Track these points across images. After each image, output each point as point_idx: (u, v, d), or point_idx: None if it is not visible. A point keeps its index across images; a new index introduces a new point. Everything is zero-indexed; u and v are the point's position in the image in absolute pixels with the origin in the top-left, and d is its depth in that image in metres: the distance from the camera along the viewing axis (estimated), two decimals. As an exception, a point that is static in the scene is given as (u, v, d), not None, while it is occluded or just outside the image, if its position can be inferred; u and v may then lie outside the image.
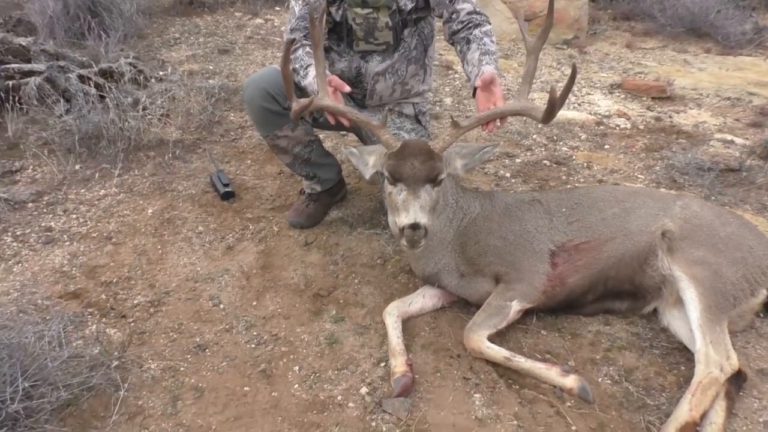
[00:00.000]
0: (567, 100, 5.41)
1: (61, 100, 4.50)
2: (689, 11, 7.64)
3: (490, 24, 3.19)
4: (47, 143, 4.30)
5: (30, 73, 4.74)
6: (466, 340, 2.70)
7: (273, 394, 2.53)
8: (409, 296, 3.02)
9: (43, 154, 4.09)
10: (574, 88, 5.83)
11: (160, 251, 3.41)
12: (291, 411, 2.45)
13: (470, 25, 3.14)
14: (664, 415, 2.43)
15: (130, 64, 5.12)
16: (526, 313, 2.87)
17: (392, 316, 2.85)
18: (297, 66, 3.10)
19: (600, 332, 2.89)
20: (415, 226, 2.51)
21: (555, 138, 4.81)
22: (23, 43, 5.10)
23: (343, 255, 3.41)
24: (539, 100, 5.39)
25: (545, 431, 2.38)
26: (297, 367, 2.67)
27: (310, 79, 3.00)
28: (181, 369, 2.64)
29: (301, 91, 3.14)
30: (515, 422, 2.40)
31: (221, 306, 3.03)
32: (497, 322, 2.75)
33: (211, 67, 5.90)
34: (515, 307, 2.78)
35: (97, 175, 4.05)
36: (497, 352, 2.64)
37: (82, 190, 3.90)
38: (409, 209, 2.55)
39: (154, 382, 2.57)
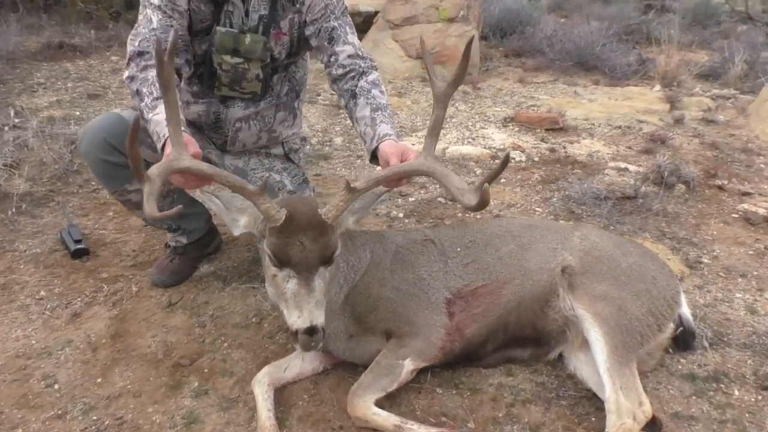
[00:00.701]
0: (461, 135, 5.27)
1: None
2: (576, 45, 7.77)
3: (376, 70, 2.83)
4: None
5: None
6: (350, 407, 2.29)
7: (110, 497, 2.03)
8: (285, 359, 2.59)
9: None
10: (468, 122, 5.68)
11: (-12, 324, 2.84)
12: None
13: (353, 74, 2.77)
14: (577, 479, 2.11)
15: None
16: (421, 370, 2.51)
17: (262, 385, 2.41)
18: (144, 91, 2.52)
19: (502, 385, 2.56)
20: (311, 331, 2.06)
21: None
22: None
23: (212, 315, 2.96)
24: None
25: None
26: (143, 459, 2.19)
27: (160, 117, 2.37)
28: (-8, 475, 2.11)
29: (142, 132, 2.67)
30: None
31: (56, 386, 2.50)
32: (387, 383, 2.37)
33: (77, 113, 5.35)
34: (408, 366, 2.41)
35: None
36: (386, 419, 2.25)
37: None
38: (303, 309, 2.09)
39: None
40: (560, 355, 2.69)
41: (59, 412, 2.37)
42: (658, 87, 6.91)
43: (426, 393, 2.51)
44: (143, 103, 2.52)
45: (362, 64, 2.79)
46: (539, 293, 2.59)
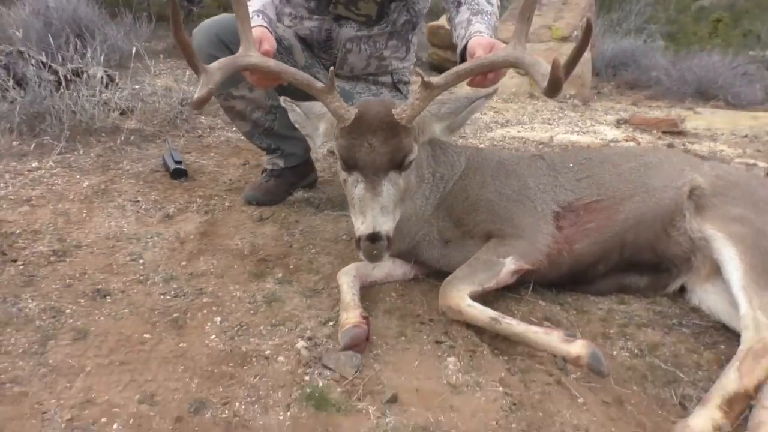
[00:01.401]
0: (571, 129, 5.02)
1: (11, 86, 4.06)
2: (696, 75, 7.40)
3: None
4: (-11, 123, 3.83)
5: (-14, 62, 4.36)
6: (443, 297, 2.06)
7: (181, 344, 1.90)
8: (375, 259, 2.41)
9: (-17, 133, 3.62)
10: (578, 119, 5.44)
11: (84, 214, 2.84)
12: (199, 361, 1.81)
13: None
14: (703, 390, 1.78)
15: (103, 70, 4.75)
16: (519, 283, 2.26)
17: (348, 276, 2.23)
18: None
19: (613, 310, 2.27)
20: (374, 237, 1.89)
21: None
22: (-10, 43, 4.77)
23: (302, 230, 2.84)
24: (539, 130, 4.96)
25: (541, 401, 1.73)
26: (218, 318, 2.05)
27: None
28: (67, 311, 2.02)
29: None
30: (500, 389, 1.75)
31: (140, 261, 2.44)
32: (484, 279, 2.12)
33: (189, 88, 5.52)
34: (509, 265, 2.15)
35: (35, 150, 3.55)
36: (481, 311, 1.99)
37: (13, 163, 3.38)
38: (367, 214, 1.92)
39: (26, 320, 1.95)
40: (682, 289, 2.37)
41: (140, 277, 2.30)
42: (787, 114, 6.43)
43: (527, 303, 2.25)
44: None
45: None
46: (663, 212, 2.30)
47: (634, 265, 2.35)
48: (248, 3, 2.41)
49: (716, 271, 2.19)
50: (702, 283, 2.28)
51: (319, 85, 2.01)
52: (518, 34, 2.01)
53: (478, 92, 2.19)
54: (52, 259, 2.39)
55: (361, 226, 1.93)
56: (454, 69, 2.06)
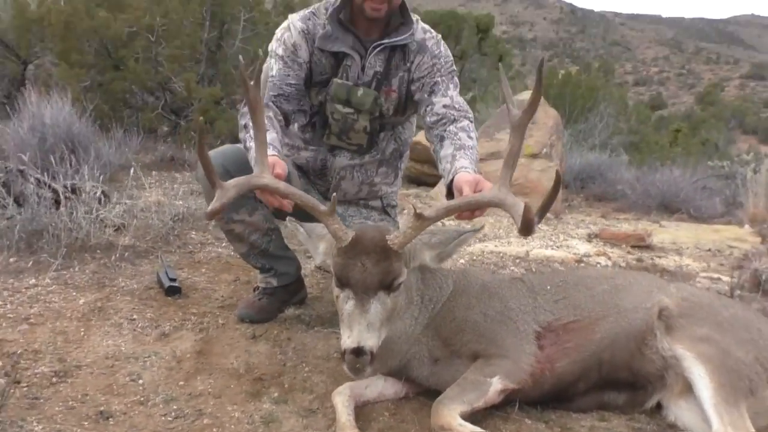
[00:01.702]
0: (545, 243, 5.28)
1: (10, 203, 4.21)
2: (659, 189, 7.85)
3: (469, 120, 2.94)
4: (-14, 242, 3.95)
5: (-14, 179, 4.52)
6: (435, 416, 2.19)
7: (184, 467, 1.97)
8: (367, 379, 2.53)
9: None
10: (552, 233, 5.71)
11: (82, 333, 2.93)
12: (203, 484, 1.88)
13: (444, 120, 2.91)
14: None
15: (98, 189, 4.94)
16: (506, 402, 2.39)
17: (343, 396, 2.35)
18: (250, 124, 2.57)
19: (595, 427, 2.40)
20: (358, 351, 2.07)
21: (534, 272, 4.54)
22: (-12, 160, 4.96)
23: (295, 347, 2.95)
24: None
25: None
26: (220, 440, 2.13)
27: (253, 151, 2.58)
28: (72, 435, 2.09)
29: (245, 169, 2.86)
30: None
31: (140, 381, 2.52)
32: (473, 398, 2.26)
33: (181, 203, 5.72)
34: (496, 384, 2.30)
35: (31, 268, 3.66)
36: (472, 430, 2.13)
37: (11, 280, 3.48)
38: (353, 328, 2.11)
39: (33, 445, 2.02)
40: (658, 406, 2.51)
41: (141, 399, 2.38)
42: (747, 226, 6.79)
43: (514, 421, 2.37)
44: (247, 134, 2.78)
45: (455, 113, 2.91)
46: (635, 332, 2.48)
47: (612, 382, 2.50)
48: None
49: (689, 388, 2.35)
50: (676, 400, 2.43)
51: (322, 207, 2.25)
52: (503, 178, 2.28)
53: (466, 227, 2.46)
54: (54, 380, 2.47)
55: (347, 340, 2.10)
56: (444, 204, 2.32)
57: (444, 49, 3.10)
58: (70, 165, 5.17)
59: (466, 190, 2.40)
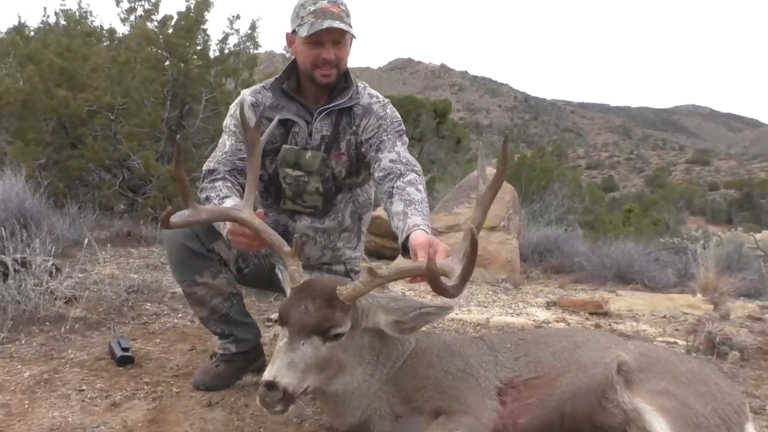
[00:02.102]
0: (505, 312, 5.30)
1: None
2: (614, 261, 8.03)
3: (416, 173, 2.95)
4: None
5: (-69, 252, 4.39)
6: (396, 476, 2.13)
7: None
8: (328, 442, 2.46)
9: None
10: (511, 302, 5.74)
11: (26, 406, 2.78)
12: None
13: (392, 176, 2.91)
14: None
15: (49, 262, 4.82)
16: (469, 461, 2.33)
17: (304, 459, 2.28)
18: (212, 195, 2.89)
19: (560, 485, 2.34)
20: (269, 385, 2.04)
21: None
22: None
23: (252, 414, 2.85)
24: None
25: None
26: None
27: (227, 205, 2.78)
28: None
29: (216, 235, 2.95)
30: None
31: (87, 452, 2.39)
32: (436, 457, 2.21)
33: (135, 276, 5.61)
34: (458, 440, 2.26)
35: (-26, 341, 3.50)
36: (435, 489, 2.07)
37: (-49, 354, 3.32)
38: (275, 363, 2.11)
39: None
40: (622, 462, 2.47)
41: (87, 469, 2.25)
42: (699, 295, 6.95)
43: (477, 481, 2.30)
44: (211, 204, 2.83)
45: (402, 168, 2.92)
46: (595, 386, 2.47)
47: (575, 438, 2.47)
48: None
49: (651, 441, 2.34)
50: (640, 455, 2.40)
51: (286, 248, 2.40)
52: (459, 251, 2.29)
53: (433, 303, 2.47)
54: (-7, 452, 2.33)
55: (265, 373, 2.08)
56: (398, 267, 2.37)
57: (391, 111, 3.15)
58: (21, 240, 5.06)
59: (421, 253, 2.40)
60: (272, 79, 3.20)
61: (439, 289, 2.07)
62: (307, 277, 2.34)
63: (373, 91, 3.24)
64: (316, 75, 3.01)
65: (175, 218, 2.41)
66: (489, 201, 2.37)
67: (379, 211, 9.10)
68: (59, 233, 6.41)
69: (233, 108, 3.19)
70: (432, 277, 2.02)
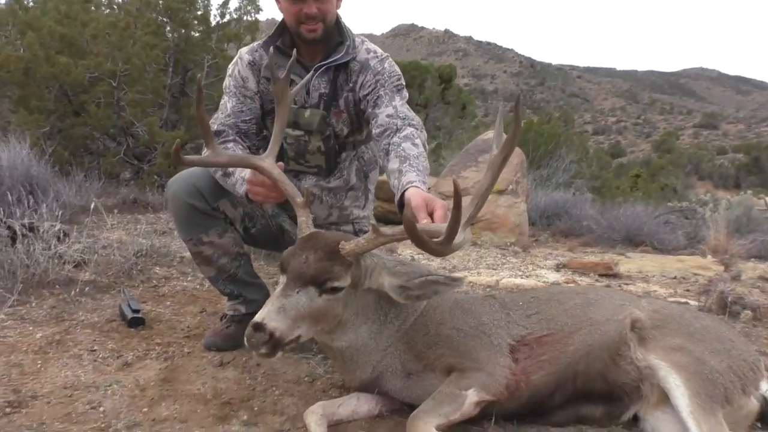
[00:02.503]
0: (514, 274, 5.28)
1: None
2: (623, 224, 7.98)
3: (414, 127, 2.84)
4: (-64, 280, 3.78)
5: (-63, 218, 4.37)
6: (411, 430, 2.12)
7: (147, 490, 1.86)
8: (340, 398, 2.46)
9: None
10: (520, 264, 5.72)
11: (39, 365, 2.79)
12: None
13: (388, 132, 2.82)
14: None
15: (57, 227, 4.81)
16: (481, 416, 2.33)
17: (315, 414, 2.27)
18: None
19: (573, 439, 2.34)
20: (257, 327, 2.02)
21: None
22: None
23: (264, 373, 2.85)
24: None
25: None
26: (186, 463, 2.02)
27: (238, 175, 2.76)
28: (27, 462, 1.96)
29: (221, 194, 2.96)
30: None
31: (101, 409, 2.40)
32: (449, 411, 2.19)
33: (144, 241, 5.60)
34: (471, 397, 2.24)
35: (-16, 305, 3.51)
36: (449, 443, 2.06)
37: (-38, 317, 3.33)
38: (266, 307, 2.09)
39: (-16, 473, 1.88)
40: (635, 418, 2.47)
41: (102, 425, 2.27)
42: (710, 257, 6.91)
43: (490, 435, 2.30)
44: (224, 173, 2.85)
45: (398, 123, 2.83)
46: (609, 343, 2.45)
47: (588, 395, 2.45)
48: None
49: (665, 399, 2.32)
50: (653, 411, 2.39)
51: (299, 199, 2.44)
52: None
53: (442, 273, 2.38)
54: (7, 410, 2.33)
55: (256, 315, 2.07)
56: (400, 229, 2.18)
57: (389, 65, 3.06)
58: (28, 205, 5.04)
59: (421, 215, 2.30)
60: (266, 38, 3.11)
61: (423, 246, 1.98)
62: (313, 229, 2.35)
63: (371, 46, 3.14)
64: (301, 31, 2.93)
65: (192, 158, 2.42)
66: (499, 165, 2.29)
67: (385, 176, 9.07)
68: (66, 200, 6.39)
69: (231, 67, 3.13)
70: (412, 233, 1.92)
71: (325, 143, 3.06)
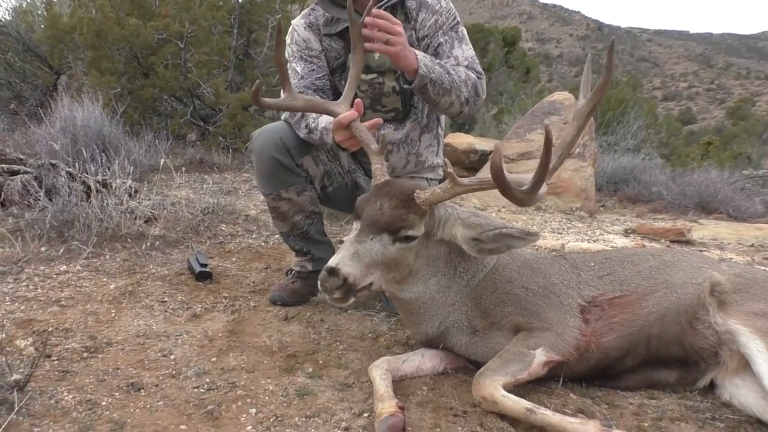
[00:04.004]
0: (581, 238, 5.14)
1: (41, 196, 4.22)
2: (696, 190, 7.65)
3: (477, 74, 2.88)
4: (20, 230, 3.94)
5: (18, 173, 4.55)
6: (477, 387, 2.09)
7: (217, 435, 1.89)
8: (404, 354, 2.44)
9: (14, 239, 3.71)
10: (587, 229, 5.57)
11: (113, 314, 2.89)
12: (237, 450, 1.80)
13: None
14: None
15: (128, 183, 4.94)
16: (549, 377, 2.27)
17: (380, 369, 2.26)
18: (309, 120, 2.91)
19: (644, 404, 2.26)
20: (330, 271, 2.01)
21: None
22: (20, 156, 4.99)
23: (328, 328, 2.87)
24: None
25: (586, 491, 1.71)
26: (253, 410, 2.05)
27: (323, 120, 2.81)
28: (103, 404, 2.03)
29: (306, 150, 3.00)
30: (542, 479, 1.74)
31: (171, 357, 2.46)
32: (516, 370, 2.15)
33: (210, 199, 5.71)
34: (539, 356, 2.19)
35: (62, 255, 3.64)
36: (516, 402, 2.02)
37: (42, 267, 3.46)
38: (340, 252, 2.08)
39: (63, 412, 1.96)
40: (711, 384, 2.37)
41: (173, 372, 2.32)
42: (790, 226, 6.57)
43: (558, 396, 2.25)
44: (306, 122, 2.91)
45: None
46: (686, 307, 2.35)
47: (662, 359, 2.36)
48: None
49: (744, 365, 2.22)
50: (731, 378, 2.29)
51: (374, 146, 2.41)
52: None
53: (516, 226, 2.30)
54: (84, 355, 2.42)
55: (330, 260, 2.06)
56: (480, 178, 2.22)
57: (445, 2, 3.04)
58: (101, 163, 5.19)
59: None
60: None
61: (508, 193, 1.97)
62: (386, 176, 2.33)
63: None
64: None
65: (270, 100, 2.43)
66: (586, 115, 2.20)
67: (449, 139, 8.95)
68: (136, 158, 6.57)
69: (288, 37, 3.14)
70: (499, 179, 1.90)
71: (399, 82, 3.03)
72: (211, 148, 8.67)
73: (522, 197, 2.04)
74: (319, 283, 2.05)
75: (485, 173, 2.28)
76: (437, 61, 2.75)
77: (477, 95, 2.86)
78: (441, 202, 2.23)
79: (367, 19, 2.46)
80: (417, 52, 2.63)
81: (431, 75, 2.65)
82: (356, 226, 2.18)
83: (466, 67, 2.90)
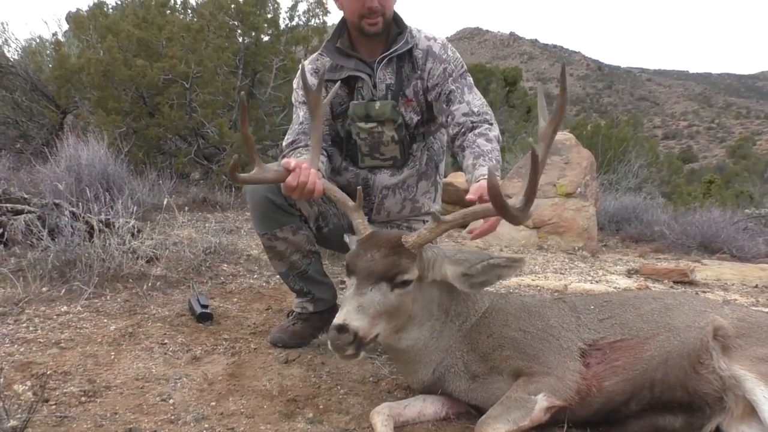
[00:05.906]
0: (583, 279, 5.13)
1: (45, 236, 4.22)
2: (699, 230, 7.64)
3: (489, 123, 2.93)
4: (22, 270, 3.94)
5: (22, 213, 4.58)
6: (479, 435, 2.07)
7: (215, 483, 1.86)
8: (406, 399, 2.42)
9: (16, 279, 3.70)
10: (589, 269, 5.55)
11: (112, 356, 2.87)
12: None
13: (464, 129, 2.92)
14: None
15: (131, 223, 4.96)
16: (553, 422, 2.25)
17: (382, 415, 2.25)
18: (292, 158, 2.90)
19: (650, 451, 2.23)
20: (340, 328, 2.02)
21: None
22: (24, 195, 5.02)
23: (329, 372, 2.85)
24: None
25: None
26: (253, 458, 2.02)
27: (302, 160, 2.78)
28: (100, 449, 2.01)
29: (291, 209, 3.03)
30: None
31: (170, 401, 2.44)
32: (518, 417, 2.13)
33: (212, 238, 5.71)
34: (541, 402, 2.18)
35: (64, 296, 3.63)
36: (519, 451, 2.00)
37: (43, 308, 3.45)
38: (344, 308, 2.10)
39: (60, 458, 1.93)
40: (718, 431, 2.33)
41: (171, 417, 2.30)
42: (794, 267, 6.54)
43: (562, 443, 2.22)
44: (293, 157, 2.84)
45: (474, 119, 2.92)
46: (689, 351, 2.33)
47: (666, 404, 2.33)
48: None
49: (750, 411, 2.19)
50: (737, 425, 2.25)
51: (350, 203, 2.46)
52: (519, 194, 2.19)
53: (501, 255, 2.36)
54: (82, 399, 2.40)
55: (336, 317, 2.07)
56: (463, 211, 2.32)
57: (451, 52, 3.10)
58: (104, 202, 5.21)
59: (485, 195, 2.34)
60: (325, 42, 3.18)
61: (504, 211, 2.05)
62: (371, 228, 2.37)
63: (429, 33, 3.15)
64: (363, 25, 2.97)
65: (245, 175, 2.47)
66: (550, 136, 2.27)
67: (450, 179, 8.99)
68: (140, 197, 6.60)
69: (296, 81, 3.21)
70: (495, 197, 1.99)
71: (398, 132, 3.07)
72: (214, 187, 8.71)
73: (517, 215, 2.13)
74: (329, 343, 2.05)
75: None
76: (486, 160, 2.71)
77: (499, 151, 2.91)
78: (428, 244, 2.28)
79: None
80: (485, 173, 2.53)
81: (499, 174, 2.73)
82: (350, 282, 2.21)
83: (476, 114, 2.94)
